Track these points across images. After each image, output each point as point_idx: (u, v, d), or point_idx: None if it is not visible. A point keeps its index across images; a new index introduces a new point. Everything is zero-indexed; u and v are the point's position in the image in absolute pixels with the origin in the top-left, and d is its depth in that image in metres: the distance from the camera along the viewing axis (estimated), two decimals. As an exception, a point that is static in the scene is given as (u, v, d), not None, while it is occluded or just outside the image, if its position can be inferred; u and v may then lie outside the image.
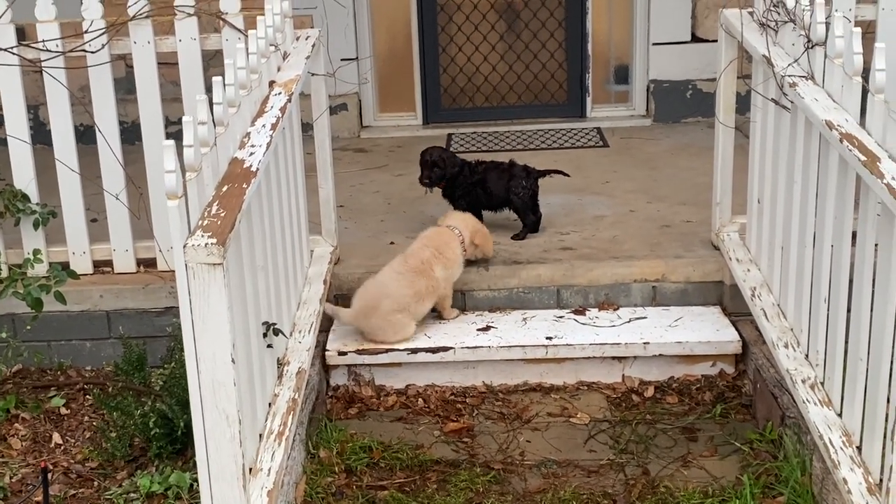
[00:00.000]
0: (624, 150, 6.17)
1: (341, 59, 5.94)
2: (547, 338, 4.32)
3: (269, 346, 3.51)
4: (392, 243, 4.89)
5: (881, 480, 3.00)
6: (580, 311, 4.51)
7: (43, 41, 4.25)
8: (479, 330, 4.41)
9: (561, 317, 4.48)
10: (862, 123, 3.21)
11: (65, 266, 4.42)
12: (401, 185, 5.68)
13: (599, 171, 5.81)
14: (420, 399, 4.26)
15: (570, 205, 5.29)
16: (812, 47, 3.59)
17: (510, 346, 4.29)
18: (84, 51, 4.25)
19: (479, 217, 4.89)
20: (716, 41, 4.56)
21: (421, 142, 6.44)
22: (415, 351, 4.28)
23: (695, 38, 6.45)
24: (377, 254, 4.76)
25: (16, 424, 4.06)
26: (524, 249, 4.74)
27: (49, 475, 3.64)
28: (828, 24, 3.50)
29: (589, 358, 4.29)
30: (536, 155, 6.10)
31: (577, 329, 4.38)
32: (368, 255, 4.75)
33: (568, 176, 5.14)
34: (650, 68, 6.54)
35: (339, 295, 4.58)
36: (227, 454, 2.89)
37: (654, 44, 6.47)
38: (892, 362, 2.92)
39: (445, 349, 4.28)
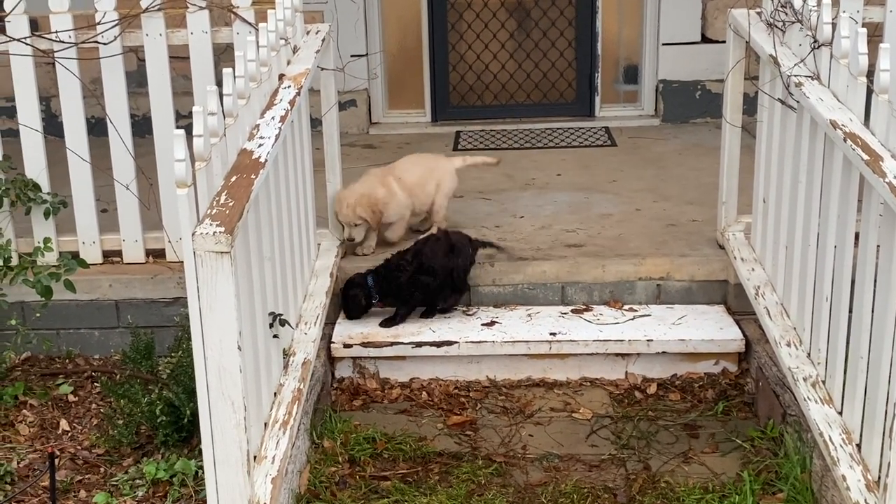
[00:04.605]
0: (632, 149, 6.19)
1: (351, 55, 5.97)
2: (551, 333, 4.35)
3: (275, 336, 3.55)
4: (399, 238, 4.92)
5: (879, 478, 3.01)
6: (585, 308, 4.53)
7: (56, 32, 4.29)
8: (483, 325, 4.43)
9: (565, 313, 4.51)
10: (866, 124, 3.23)
11: (74, 255, 4.46)
12: (409, 181, 5.70)
13: (607, 169, 5.83)
14: (424, 392, 4.29)
15: (577, 203, 5.31)
16: (818, 47, 3.61)
17: (514, 342, 4.32)
18: (96, 42, 4.29)
19: None
20: (725, 42, 4.58)
21: (429, 139, 6.49)
22: (419, 345, 4.31)
23: (705, 39, 6.47)
24: (383, 249, 4.79)
25: (24, 411, 4.11)
26: (529, 246, 4.77)
27: (56, 461, 3.68)
28: (834, 25, 3.51)
29: (592, 354, 4.32)
30: (544, 153, 6.13)
31: (581, 325, 4.40)
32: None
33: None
34: (659, 68, 6.55)
35: (346, 288, 4.61)
36: (232, 440, 2.92)
37: (664, 44, 6.49)
38: (892, 361, 2.94)
39: (450, 343, 4.31)
